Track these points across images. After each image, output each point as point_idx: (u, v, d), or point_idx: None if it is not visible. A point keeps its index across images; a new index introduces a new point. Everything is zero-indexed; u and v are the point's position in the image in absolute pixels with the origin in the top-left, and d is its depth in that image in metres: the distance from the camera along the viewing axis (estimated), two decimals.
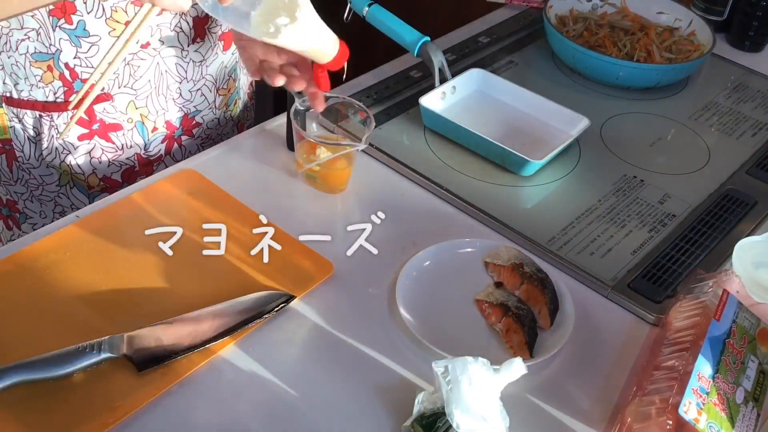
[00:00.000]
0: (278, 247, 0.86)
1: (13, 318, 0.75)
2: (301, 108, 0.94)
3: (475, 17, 1.38)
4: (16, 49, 0.92)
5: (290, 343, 0.77)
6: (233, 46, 1.04)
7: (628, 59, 1.21)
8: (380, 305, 0.81)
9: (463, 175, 1.00)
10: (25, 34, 0.90)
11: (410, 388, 0.73)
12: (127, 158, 1.01)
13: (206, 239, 0.86)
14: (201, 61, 1.00)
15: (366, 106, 0.98)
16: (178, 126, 1.03)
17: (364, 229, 0.91)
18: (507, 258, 0.85)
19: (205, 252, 0.84)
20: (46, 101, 0.95)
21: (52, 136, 0.97)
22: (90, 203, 1.00)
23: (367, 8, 1.14)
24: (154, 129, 1.01)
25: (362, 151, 0.98)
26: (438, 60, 1.10)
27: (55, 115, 0.95)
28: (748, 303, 0.77)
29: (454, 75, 1.12)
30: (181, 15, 0.94)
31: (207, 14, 0.95)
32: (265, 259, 0.84)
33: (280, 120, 1.06)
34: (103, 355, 0.71)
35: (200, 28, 0.97)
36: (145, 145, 1.01)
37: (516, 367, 0.66)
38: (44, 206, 1.04)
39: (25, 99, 0.95)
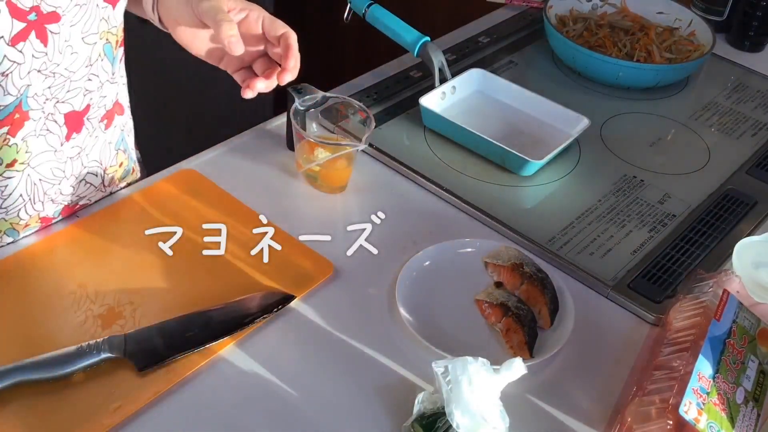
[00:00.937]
0: (278, 247, 0.86)
1: (13, 318, 0.75)
2: (301, 108, 0.94)
3: (475, 17, 1.38)
4: None
5: (290, 343, 0.77)
6: (116, 119, 0.91)
7: (628, 59, 1.21)
8: (380, 305, 0.81)
9: (463, 175, 1.00)
10: None
11: (410, 388, 0.73)
12: None
13: (206, 239, 0.86)
14: (80, 153, 0.87)
15: (366, 106, 0.97)
16: (56, 217, 0.89)
17: (364, 229, 0.91)
18: (507, 258, 0.85)
19: (205, 252, 0.84)
20: None
21: None
22: None
23: (366, 8, 1.14)
24: (26, 226, 0.86)
25: (362, 151, 0.99)
26: (438, 60, 1.10)
27: None
28: (749, 303, 0.77)
29: (454, 75, 1.12)
30: (48, 116, 0.80)
31: (86, 105, 0.83)
32: (265, 259, 0.84)
33: (280, 120, 1.06)
34: (103, 355, 0.71)
35: (76, 121, 0.84)
36: (14, 241, 0.86)
37: (516, 367, 0.66)
38: None
39: None
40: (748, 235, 0.93)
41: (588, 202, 0.98)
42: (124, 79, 0.91)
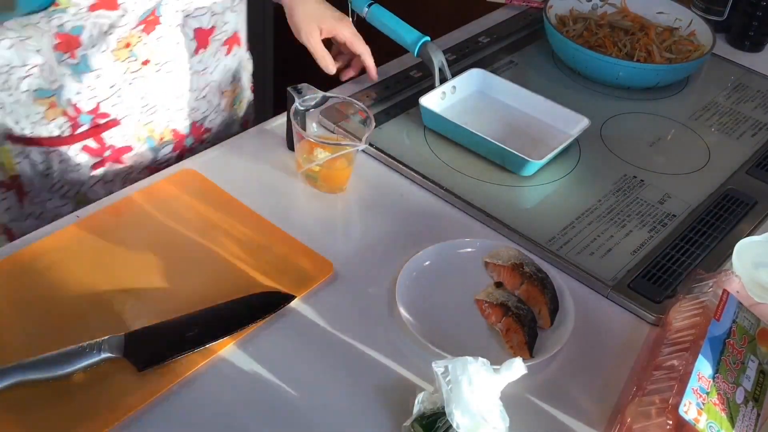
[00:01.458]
0: (278, 247, 0.86)
1: (13, 318, 0.75)
2: (301, 108, 0.94)
3: (475, 17, 1.38)
4: (17, 87, 0.90)
5: (290, 343, 0.77)
6: (235, 49, 1.05)
7: (628, 59, 1.21)
8: (380, 305, 0.81)
9: (463, 175, 1.00)
10: (27, 71, 0.89)
11: (410, 388, 0.73)
12: (138, 173, 1.02)
13: (206, 239, 0.86)
14: (204, 70, 1.01)
15: (366, 106, 0.98)
16: (187, 134, 1.05)
17: (364, 230, 0.91)
18: (507, 258, 0.85)
19: (205, 252, 0.84)
20: (51, 137, 0.94)
21: (63, 170, 0.96)
22: None
23: (367, 8, 1.14)
24: (162, 139, 1.02)
25: (362, 151, 0.99)
26: (438, 60, 1.10)
27: (63, 149, 0.95)
28: (748, 303, 0.77)
29: (454, 75, 1.12)
30: (182, 28, 0.94)
31: (212, 25, 0.97)
32: (265, 259, 0.84)
33: (280, 120, 1.06)
34: (103, 355, 0.71)
35: (203, 39, 0.97)
36: (155, 158, 1.03)
37: (516, 367, 0.66)
38: None
39: (30, 136, 0.94)
40: (748, 235, 0.93)
41: (588, 202, 0.98)
42: (244, 14, 1.06)
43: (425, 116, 1.06)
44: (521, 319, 0.78)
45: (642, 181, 1.02)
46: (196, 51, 0.98)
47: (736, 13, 1.37)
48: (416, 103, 1.06)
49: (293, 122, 0.93)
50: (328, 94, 0.98)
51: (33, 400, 0.68)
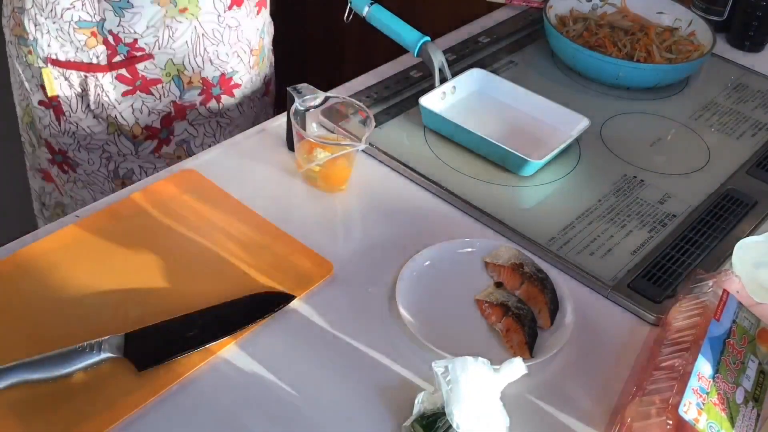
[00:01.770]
0: (278, 247, 0.86)
1: (13, 318, 0.75)
2: (301, 108, 0.94)
3: (475, 17, 1.38)
4: (61, 16, 1.00)
5: (290, 343, 0.77)
6: (263, 11, 1.16)
7: (628, 59, 1.21)
8: (380, 305, 0.81)
9: (463, 175, 1.00)
10: (71, 4, 1.00)
11: (410, 388, 0.73)
12: (164, 106, 1.11)
13: (206, 239, 0.86)
14: (237, 26, 1.10)
15: (366, 106, 0.98)
16: (215, 84, 1.13)
17: (364, 229, 0.91)
18: (507, 258, 0.85)
19: (206, 252, 0.84)
20: (90, 63, 1.04)
21: (98, 94, 1.06)
22: (136, 152, 1.13)
23: (367, 8, 1.14)
24: (189, 83, 1.10)
25: (362, 151, 0.99)
26: (438, 60, 1.10)
27: (99, 75, 1.05)
28: (748, 303, 0.77)
29: (454, 75, 1.12)
30: None
31: None
32: (265, 259, 0.84)
33: (280, 120, 1.06)
34: (103, 355, 0.71)
35: None
36: (180, 97, 1.11)
37: (516, 367, 0.66)
38: (92, 154, 1.13)
39: (71, 60, 1.04)
40: (748, 235, 0.93)
41: (588, 202, 0.98)
42: None
43: (425, 116, 1.06)
44: (521, 319, 0.78)
45: (642, 181, 1.02)
46: (230, 7, 1.07)
47: (736, 13, 1.37)
48: (416, 103, 1.06)
49: (293, 122, 0.93)
50: (328, 94, 0.98)
51: (33, 400, 0.68)
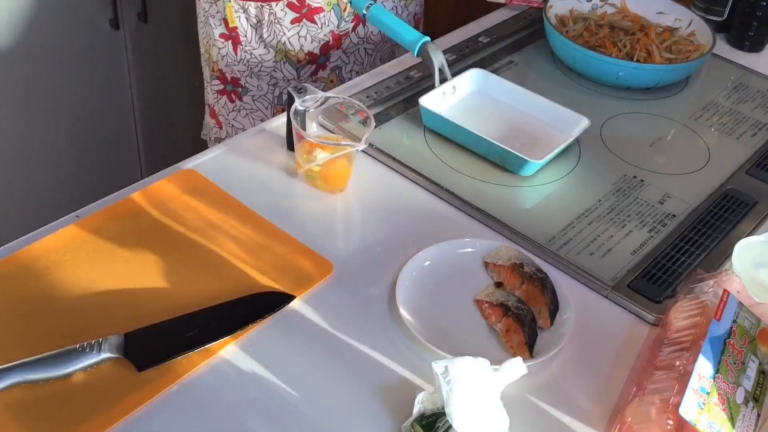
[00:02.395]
0: (278, 247, 0.86)
1: (14, 318, 0.75)
2: (301, 108, 0.94)
3: (475, 17, 1.38)
4: None
5: (290, 343, 0.77)
6: None
7: (628, 59, 1.21)
8: (380, 305, 0.81)
9: (463, 175, 1.00)
10: None
11: (410, 388, 0.73)
12: (324, 35, 1.24)
13: (206, 239, 0.86)
14: None
15: (366, 106, 0.98)
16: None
17: (364, 230, 0.90)
18: (507, 258, 0.85)
19: (206, 252, 0.84)
20: None
21: (271, 22, 1.21)
22: (298, 77, 1.27)
23: (367, 8, 1.14)
24: (345, 8, 1.22)
25: (362, 151, 0.98)
26: (438, 60, 1.10)
27: (273, 4, 1.19)
28: (749, 303, 0.77)
29: (454, 75, 1.12)
30: None
31: None
32: (265, 259, 0.84)
33: (280, 120, 1.06)
34: (103, 355, 0.71)
35: None
36: (338, 26, 1.23)
37: (516, 367, 0.66)
38: (261, 80, 1.28)
39: None
40: (748, 235, 0.93)
41: (588, 202, 0.98)
42: None
43: (425, 116, 1.06)
44: (521, 319, 0.78)
45: (642, 181, 1.02)
46: None
47: (736, 13, 1.37)
48: (416, 103, 1.06)
49: (293, 122, 0.93)
50: (328, 94, 0.98)
51: (33, 400, 0.68)
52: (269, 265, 0.83)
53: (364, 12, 1.14)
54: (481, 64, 1.19)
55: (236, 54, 1.27)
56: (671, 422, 0.64)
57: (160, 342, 0.74)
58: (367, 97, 1.12)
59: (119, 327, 0.74)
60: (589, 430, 0.72)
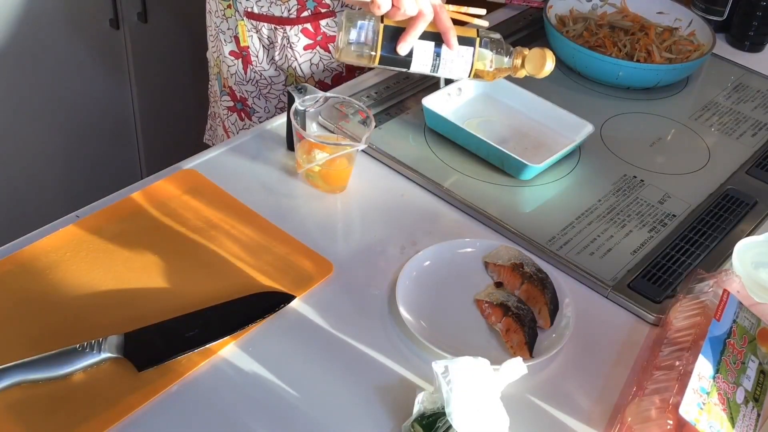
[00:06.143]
0: (278, 247, 0.86)
1: (13, 318, 0.75)
2: (301, 108, 0.94)
3: None
4: None
5: (290, 343, 0.77)
6: None
7: (628, 59, 1.21)
8: (380, 305, 0.81)
9: (463, 175, 1.00)
10: None
11: (410, 388, 0.73)
12: (337, 65, 1.21)
13: (206, 239, 0.86)
14: None
15: (366, 106, 0.98)
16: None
17: (364, 230, 0.91)
18: (507, 258, 0.85)
19: (206, 252, 0.84)
20: (280, 17, 1.15)
21: (284, 45, 1.17)
22: None
23: None
24: None
25: (362, 151, 0.99)
26: None
27: (287, 27, 1.15)
28: (749, 303, 0.77)
29: None
30: None
31: None
32: (265, 259, 0.84)
33: (280, 120, 1.06)
34: (103, 355, 0.71)
35: None
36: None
37: (516, 367, 0.66)
38: (269, 102, 1.24)
39: (264, 14, 1.15)
40: (748, 235, 0.93)
41: (588, 202, 0.98)
42: None
43: (427, 117, 1.06)
44: (521, 319, 0.78)
45: (642, 181, 1.02)
46: None
47: (736, 13, 1.37)
48: (417, 103, 1.06)
49: (293, 122, 0.93)
50: (328, 94, 0.98)
51: (33, 400, 0.68)
52: (269, 265, 0.83)
53: None
54: None
55: (246, 74, 1.22)
56: (671, 422, 0.64)
57: (160, 342, 0.74)
58: (367, 97, 1.12)
59: (119, 327, 0.74)
60: (589, 430, 0.72)
